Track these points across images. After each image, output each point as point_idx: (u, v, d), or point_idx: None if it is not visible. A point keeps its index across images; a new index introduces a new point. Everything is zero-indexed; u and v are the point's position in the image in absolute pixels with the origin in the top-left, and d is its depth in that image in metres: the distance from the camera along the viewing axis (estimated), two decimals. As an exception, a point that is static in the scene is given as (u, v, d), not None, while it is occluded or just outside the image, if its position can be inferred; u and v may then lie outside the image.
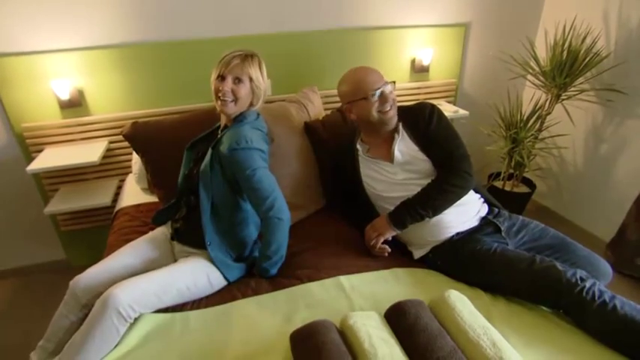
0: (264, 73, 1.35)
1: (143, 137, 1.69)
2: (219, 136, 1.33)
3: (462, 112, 2.23)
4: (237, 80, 1.28)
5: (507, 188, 2.37)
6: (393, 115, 1.44)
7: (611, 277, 1.31)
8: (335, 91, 1.56)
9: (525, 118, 2.21)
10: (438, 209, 1.34)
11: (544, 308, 1.16)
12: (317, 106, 1.99)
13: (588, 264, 1.29)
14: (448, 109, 2.23)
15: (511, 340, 0.99)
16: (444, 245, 1.36)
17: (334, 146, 1.68)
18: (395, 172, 1.44)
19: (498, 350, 0.89)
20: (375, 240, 1.38)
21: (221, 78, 1.28)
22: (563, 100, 2.12)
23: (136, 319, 1.12)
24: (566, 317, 1.11)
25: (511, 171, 2.34)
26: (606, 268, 1.31)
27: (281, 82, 2.08)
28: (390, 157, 1.45)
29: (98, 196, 1.89)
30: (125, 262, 1.28)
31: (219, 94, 1.27)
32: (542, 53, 2.20)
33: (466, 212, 1.40)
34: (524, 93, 2.58)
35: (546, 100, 2.14)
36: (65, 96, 1.81)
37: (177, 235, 1.38)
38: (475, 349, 0.92)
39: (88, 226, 2.10)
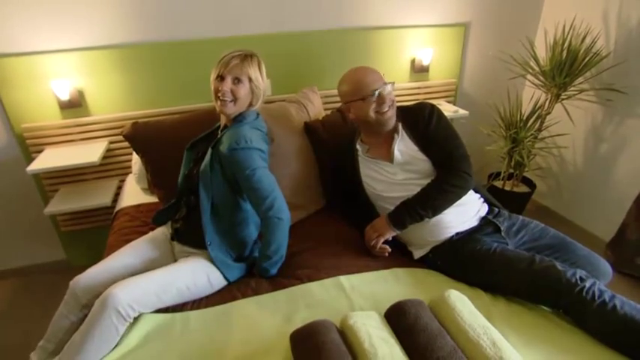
0: (264, 73, 1.35)
1: (143, 137, 1.69)
2: (219, 136, 1.33)
3: (462, 111, 2.23)
4: (237, 80, 1.28)
5: (507, 188, 2.37)
6: (390, 116, 1.43)
7: (611, 276, 1.31)
8: (335, 91, 1.56)
9: (525, 117, 2.21)
10: (437, 209, 1.34)
11: (544, 308, 1.16)
12: (317, 106, 1.99)
13: (588, 264, 1.29)
14: (448, 109, 2.23)
15: (511, 340, 0.99)
16: (443, 245, 1.36)
17: (334, 146, 1.68)
18: (395, 172, 1.44)
19: (498, 350, 0.89)
20: (375, 240, 1.38)
21: (220, 78, 1.28)
22: (562, 99, 2.12)
23: (135, 319, 1.12)
24: (566, 317, 1.11)
25: (511, 171, 2.34)
26: (606, 267, 1.31)
27: (281, 82, 2.08)
28: (389, 157, 1.45)
29: (98, 197, 1.89)
30: (125, 262, 1.28)
31: (219, 94, 1.27)
32: (542, 53, 2.20)
33: (466, 212, 1.40)
34: (523, 93, 2.58)
35: (546, 100, 2.14)
36: (65, 96, 1.81)
37: (177, 235, 1.38)
38: (475, 348, 0.92)
39: (88, 227, 2.11)
